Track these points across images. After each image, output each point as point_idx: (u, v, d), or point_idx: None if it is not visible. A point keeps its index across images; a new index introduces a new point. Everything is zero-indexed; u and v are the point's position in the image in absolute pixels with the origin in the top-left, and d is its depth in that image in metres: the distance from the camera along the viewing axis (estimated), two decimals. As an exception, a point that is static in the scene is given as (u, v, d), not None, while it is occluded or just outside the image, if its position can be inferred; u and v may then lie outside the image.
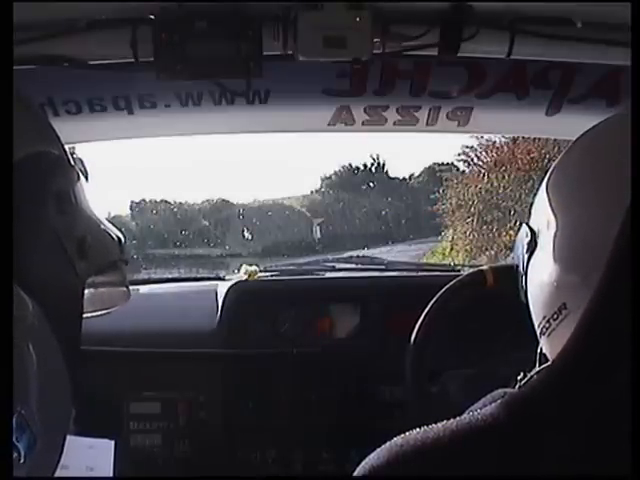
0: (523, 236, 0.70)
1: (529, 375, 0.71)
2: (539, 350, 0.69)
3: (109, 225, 0.71)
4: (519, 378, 0.72)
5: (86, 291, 0.66)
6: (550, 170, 0.69)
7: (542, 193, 0.69)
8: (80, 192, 0.66)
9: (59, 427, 0.58)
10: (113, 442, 1.20)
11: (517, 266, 0.73)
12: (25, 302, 0.54)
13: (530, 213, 0.72)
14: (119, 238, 0.72)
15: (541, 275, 0.65)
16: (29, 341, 0.53)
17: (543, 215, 0.67)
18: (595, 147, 0.66)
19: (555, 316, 0.63)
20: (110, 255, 0.70)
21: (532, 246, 0.68)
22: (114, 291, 0.77)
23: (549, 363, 0.65)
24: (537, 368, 0.70)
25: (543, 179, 0.71)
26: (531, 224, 0.70)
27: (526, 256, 0.69)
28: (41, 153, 0.62)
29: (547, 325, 0.64)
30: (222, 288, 1.71)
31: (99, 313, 0.75)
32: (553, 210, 0.65)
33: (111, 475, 1.21)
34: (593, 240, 0.58)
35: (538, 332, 0.67)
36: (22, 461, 0.50)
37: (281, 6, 1.14)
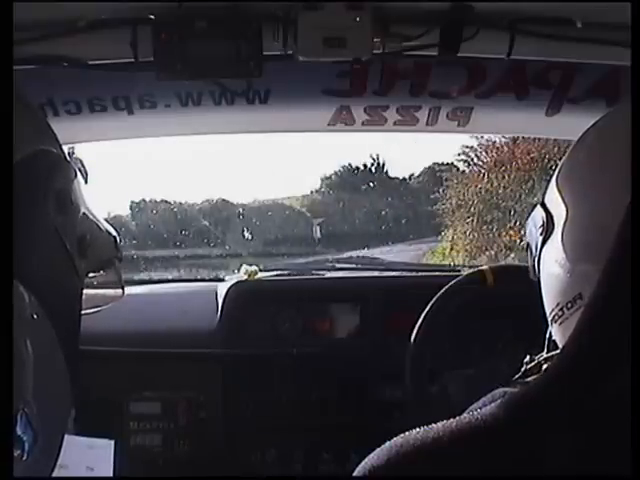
0: (537, 217, 0.68)
1: (536, 359, 0.71)
2: (548, 335, 0.69)
3: (105, 223, 0.71)
4: (526, 361, 0.72)
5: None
6: (562, 160, 0.69)
7: (557, 178, 0.67)
8: (78, 191, 0.66)
9: (57, 425, 0.58)
10: (113, 442, 1.20)
11: (528, 245, 0.71)
12: (23, 297, 0.54)
13: (544, 193, 0.69)
14: (114, 236, 0.72)
15: (557, 262, 0.64)
16: (27, 337, 0.53)
17: (559, 201, 0.65)
18: (606, 136, 0.66)
19: (569, 305, 0.62)
20: (107, 253, 0.70)
21: (549, 229, 0.66)
22: (109, 288, 0.78)
23: (557, 351, 0.65)
24: (545, 354, 0.70)
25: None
26: (547, 204, 0.67)
27: (540, 238, 0.67)
28: (41, 152, 0.61)
29: (560, 313, 0.64)
30: (222, 288, 1.71)
31: (93, 310, 0.75)
32: (569, 199, 0.64)
33: (111, 475, 1.21)
34: (611, 230, 0.56)
35: (550, 318, 0.66)
36: (24, 458, 0.50)
37: (281, 6, 1.14)
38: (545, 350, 0.70)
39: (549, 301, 0.66)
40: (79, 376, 0.63)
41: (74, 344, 0.64)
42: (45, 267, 0.60)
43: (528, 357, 0.73)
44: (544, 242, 0.67)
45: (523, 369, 0.71)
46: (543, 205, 0.68)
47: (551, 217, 0.66)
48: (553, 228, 0.66)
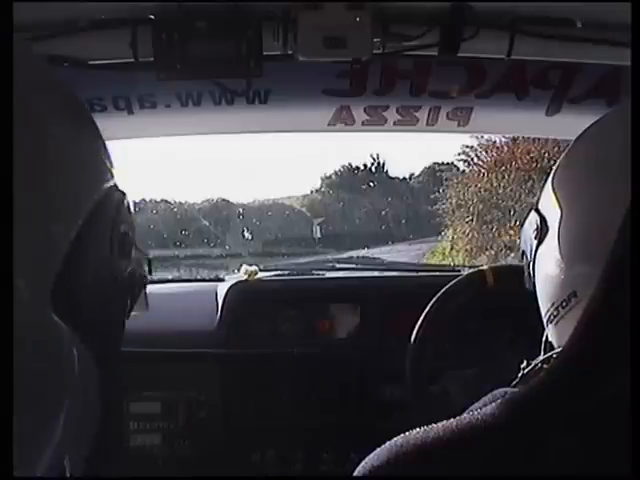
0: (531, 222, 0.69)
1: (533, 363, 0.71)
2: (544, 338, 0.69)
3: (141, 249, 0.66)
4: (522, 366, 0.72)
5: None
6: (559, 161, 0.69)
7: (553, 179, 0.68)
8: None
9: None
10: None
11: (523, 252, 0.71)
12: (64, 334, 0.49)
13: (539, 199, 0.70)
14: (149, 258, 0.68)
15: (551, 262, 0.64)
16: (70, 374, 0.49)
17: (553, 202, 0.65)
18: (602, 137, 0.66)
19: (564, 304, 0.62)
20: (144, 279, 0.67)
21: (543, 232, 0.66)
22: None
23: (556, 350, 0.65)
24: (542, 356, 0.70)
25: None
26: (541, 209, 0.68)
27: (535, 242, 0.67)
28: (109, 191, 0.55)
29: (555, 313, 0.64)
30: (222, 288, 1.71)
31: None
32: (565, 199, 0.64)
33: None
34: (606, 229, 0.56)
35: (545, 319, 0.66)
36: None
37: (281, 6, 1.14)
38: (542, 353, 0.70)
39: (544, 302, 0.66)
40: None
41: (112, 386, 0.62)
42: (95, 309, 0.55)
43: (525, 362, 0.73)
44: (538, 245, 0.67)
45: (520, 374, 0.71)
46: (537, 210, 0.69)
47: (545, 220, 0.66)
48: (547, 230, 0.66)
